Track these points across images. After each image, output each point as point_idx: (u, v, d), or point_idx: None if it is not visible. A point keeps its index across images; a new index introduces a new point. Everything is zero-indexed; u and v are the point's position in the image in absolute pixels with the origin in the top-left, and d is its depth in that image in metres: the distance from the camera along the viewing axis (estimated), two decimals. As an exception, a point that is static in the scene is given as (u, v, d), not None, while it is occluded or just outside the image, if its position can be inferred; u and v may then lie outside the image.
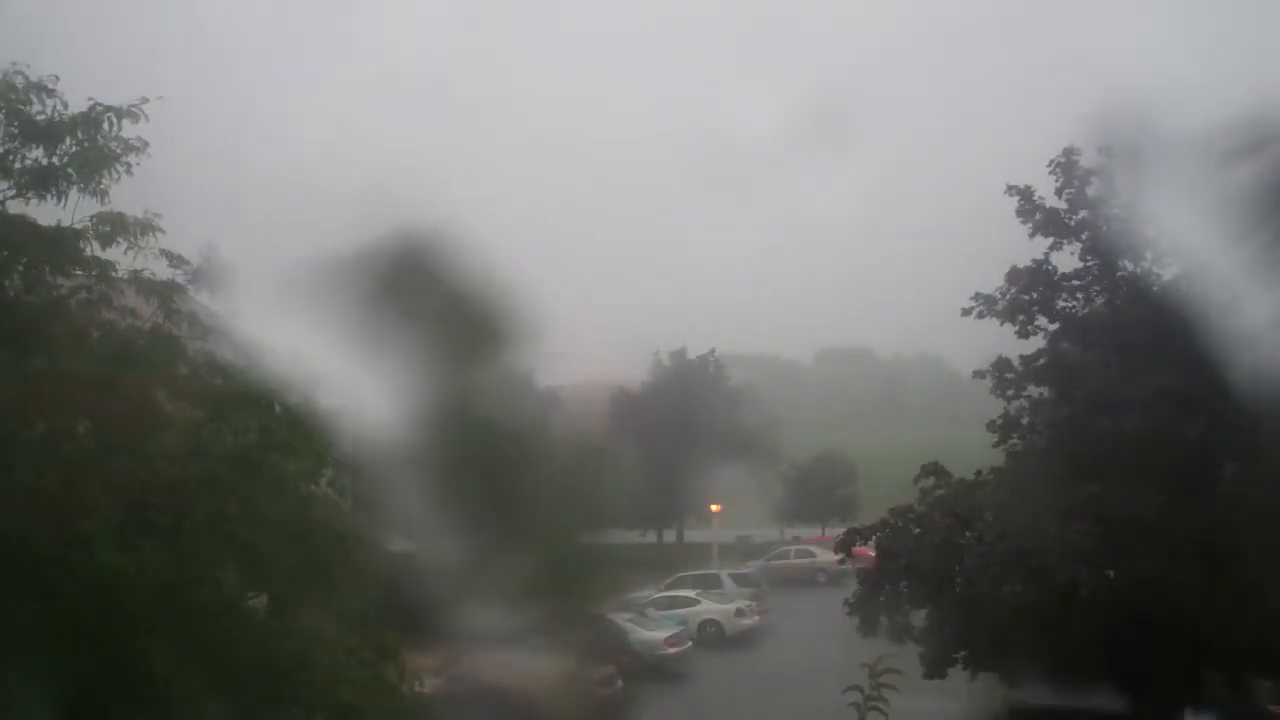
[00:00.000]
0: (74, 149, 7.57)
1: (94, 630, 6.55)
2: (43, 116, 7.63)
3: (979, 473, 17.79)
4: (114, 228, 7.73)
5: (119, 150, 7.67)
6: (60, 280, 7.66)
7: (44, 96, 7.62)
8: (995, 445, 17.81)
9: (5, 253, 7.39)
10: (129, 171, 7.72)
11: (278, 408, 7.45)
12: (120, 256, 7.84)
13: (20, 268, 7.39)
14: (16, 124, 7.54)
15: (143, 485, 6.90)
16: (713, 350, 63.35)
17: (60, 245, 7.56)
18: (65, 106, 7.66)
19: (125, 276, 7.87)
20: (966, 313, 17.79)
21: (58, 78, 7.70)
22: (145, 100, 7.64)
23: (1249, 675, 16.89)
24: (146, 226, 7.81)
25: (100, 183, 7.69)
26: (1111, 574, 15.89)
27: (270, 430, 7.32)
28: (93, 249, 7.78)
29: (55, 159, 7.62)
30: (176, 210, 8.02)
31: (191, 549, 6.89)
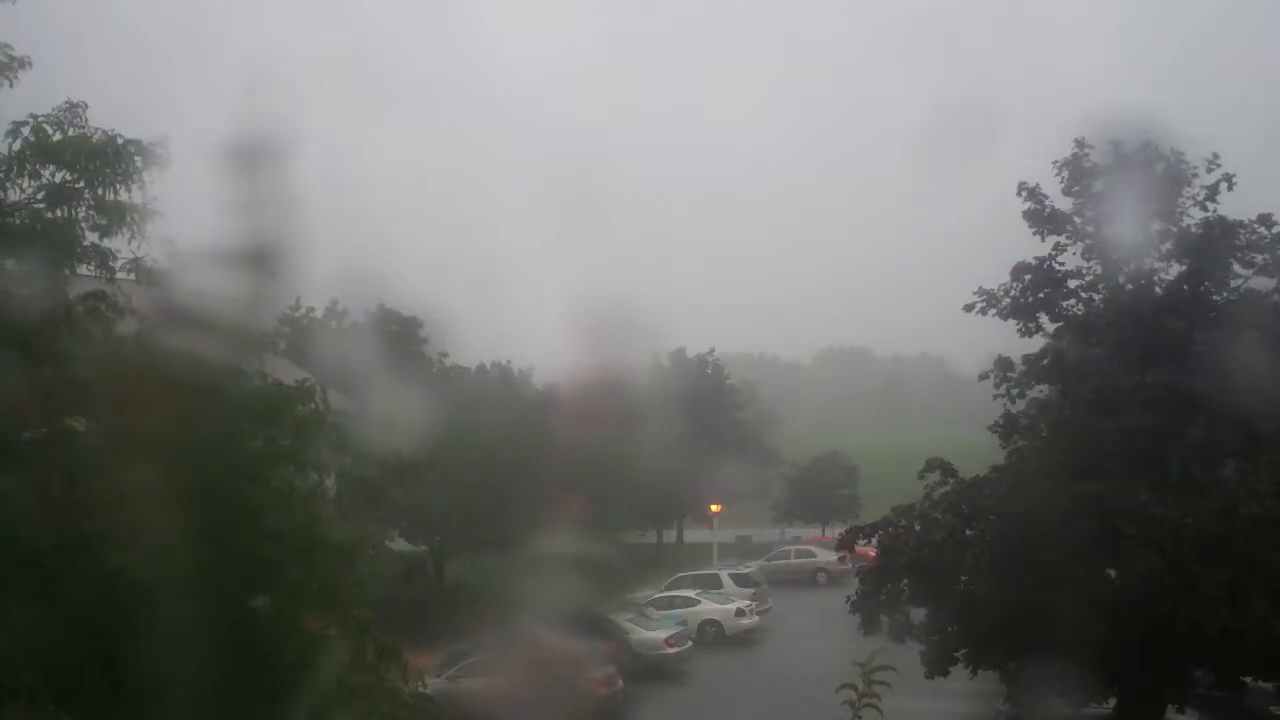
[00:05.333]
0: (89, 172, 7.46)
1: (97, 632, 6.54)
2: (66, 135, 7.50)
3: (977, 478, 17.79)
4: (113, 219, 7.66)
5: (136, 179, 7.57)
6: (63, 275, 7.59)
7: (69, 117, 7.49)
8: (1003, 448, 17.79)
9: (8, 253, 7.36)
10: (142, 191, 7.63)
11: (284, 417, 7.40)
12: (123, 245, 7.78)
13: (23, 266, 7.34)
14: (31, 133, 7.42)
15: (145, 490, 6.87)
16: (712, 350, 63.42)
17: (57, 236, 7.51)
18: (85, 125, 7.52)
19: (125, 265, 7.78)
20: (969, 308, 17.76)
21: (86, 105, 7.60)
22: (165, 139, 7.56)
23: (1248, 675, 16.91)
24: (146, 214, 7.72)
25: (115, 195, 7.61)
26: (1112, 572, 15.91)
27: (275, 440, 7.28)
28: (89, 238, 7.71)
29: (69, 178, 7.51)
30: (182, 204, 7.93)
31: (192, 556, 6.85)
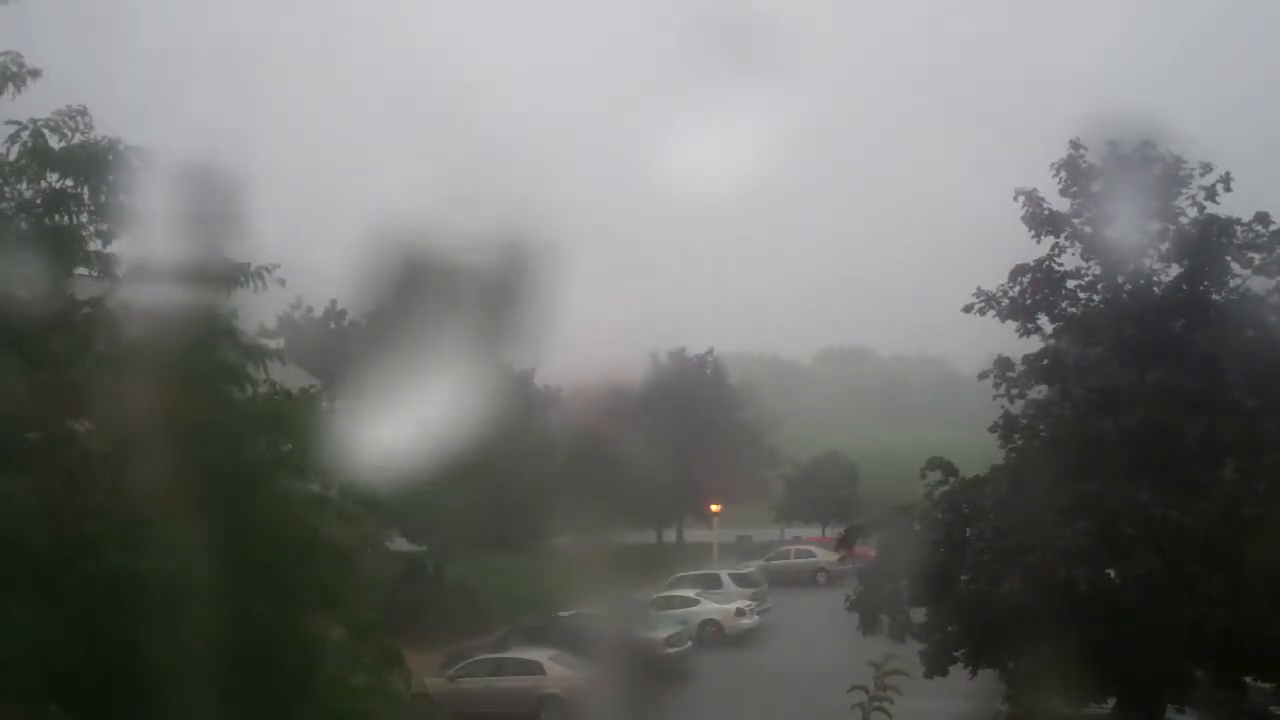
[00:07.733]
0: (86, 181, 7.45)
1: (97, 632, 6.55)
2: (63, 144, 7.49)
3: (977, 478, 17.80)
4: (114, 225, 7.65)
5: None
6: (67, 282, 7.58)
7: (70, 122, 7.47)
8: (1002, 448, 17.80)
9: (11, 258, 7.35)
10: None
11: (286, 424, 7.39)
12: (125, 249, 7.76)
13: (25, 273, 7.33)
14: (30, 139, 7.40)
15: (147, 492, 6.88)
16: (711, 350, 63.33)
17: (59, 242, 7.50)
18: (90, 128, 7.50)
19: (128, 272, 7.77)
20: (968, 309, 17.79)
21: (85, 109, 7.59)
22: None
23: (1247, 674, 16.91)
24: (145, 220, 7.70)
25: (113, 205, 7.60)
26: (1111, 572, 15.92)
27: (277, 446, 7.28)
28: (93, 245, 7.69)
29: (68, 185, 7.50)
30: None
31: (193, 558, 6.86)
